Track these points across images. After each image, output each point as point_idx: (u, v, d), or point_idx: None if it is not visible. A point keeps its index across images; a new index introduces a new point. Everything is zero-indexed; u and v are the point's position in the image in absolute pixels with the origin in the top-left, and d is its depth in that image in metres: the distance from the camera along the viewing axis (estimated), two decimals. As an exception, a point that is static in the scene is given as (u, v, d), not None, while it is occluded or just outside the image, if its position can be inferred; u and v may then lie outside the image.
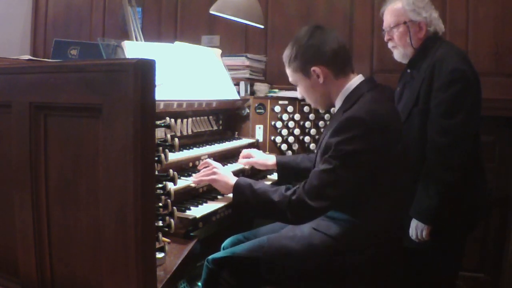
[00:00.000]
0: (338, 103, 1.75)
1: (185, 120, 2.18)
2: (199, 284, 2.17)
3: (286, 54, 1.78)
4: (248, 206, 1.70)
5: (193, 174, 1.90)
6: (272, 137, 2.60)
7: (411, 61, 2.12)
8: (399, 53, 2.14)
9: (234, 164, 2.20)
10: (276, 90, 2.84)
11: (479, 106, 1.98)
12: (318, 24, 1.78)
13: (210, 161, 1.92)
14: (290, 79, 1.82)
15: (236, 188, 1.71)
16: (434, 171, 1.90)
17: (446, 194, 1.90)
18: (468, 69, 1.94)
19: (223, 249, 1.97)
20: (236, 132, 2.61)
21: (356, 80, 1.73)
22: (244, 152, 2.22)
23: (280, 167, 2.16)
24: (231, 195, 1.77)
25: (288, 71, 1.80)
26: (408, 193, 1.98)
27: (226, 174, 1.79)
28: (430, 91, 1.96)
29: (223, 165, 2.00)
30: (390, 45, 2.16)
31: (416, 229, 1.97)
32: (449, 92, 1.89)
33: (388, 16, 2.13)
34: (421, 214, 1.94)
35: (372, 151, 1.55)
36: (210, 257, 1.77)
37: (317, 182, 1.55)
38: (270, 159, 2.18)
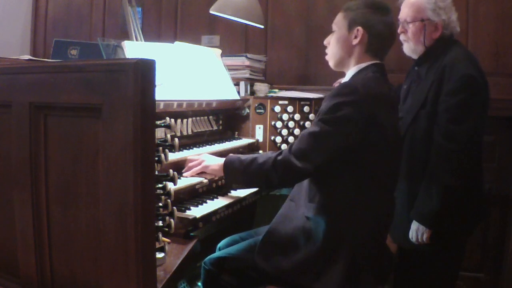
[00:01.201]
0: (347, 77, 1.78)
1: (185, 120, 2.18)
2: (199, 284, 2.17)
3: (349, 3, 1.80)
4: (238, 177, 1.77)
5: (183, 175, 1.90)
6: (272, 137, 2.60)
7: (420, 59, 2.10)
8: (409, 47, 2.11)
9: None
10: (276, 90, 2.84)
11: (486, 110, 1.97)
12: (388, 7, 1.79)
13: (192, 157, 1.95)
14: (334, 22, 1.83)
15: (226, 163, 1.79)
16: (439, 175, 1.89)
17: (448, 198, 1.89)
18: (478, 75, 1.92)
19: (219, 249, 1.97)
20: (236, 132, 2.61)
21: (372, 61, 1.75)
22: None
23: None
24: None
25: (339, 15, 1.81)
26: (405, 196, 1.99)
27: (213, 158, 1.90)
28: (438, 95, 1.94)
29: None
30: (402, 37, 2.13)
31: (416, 231, 1.96)
32: (459, 98, 1.88)
33: (407, 9, 2.09)
34: (423, 217, 1.93)
35: (360, 120, 1.58)
36: (207, 258, 1.77)
37: (304, 143, 1.61)
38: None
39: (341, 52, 1.78)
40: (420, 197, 1.94)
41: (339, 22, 1.80)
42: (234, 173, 1.77)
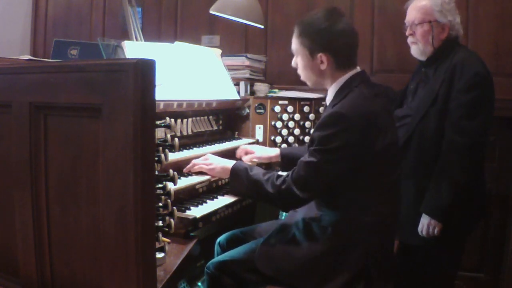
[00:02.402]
0: (330, 93, 1.77)
1: (185, 120, 2.18)
2: (199, 284, 2.17)
3: (300, 25, 1.75)
4: (242, 189, 1.80)
5: (193, 174, 1.91)
6: (272, 137, 2.60)
7: (428, 60, 2.14)
8: (418, 49, 2.15)
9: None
10: (276, 90, 2.84)
11: (493, 110, 2.03)
12: (336, 8, 1.75)
13: (197, 160, 1.97)
14: (293, 46, 1.79)
15: (233, 171, 1.81)
16: (450, 170, 1.94)
17: (458, 193, 1.93)
18: (488, 74, 1.99)
19: (219, 244, 1.98)
20: (236, 132, 2.61)
21: (349, 74, 1.73)
22: (243, 149, 2.24)
23: (285, 159, 2.17)
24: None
25: (295, 40, 1.77)
26: (413, 191, 2.02)
27: (220, 160, 1.91)
28: (449, 93, 1.98)
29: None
30: (410, 40, 2.17)
31: (428, 225, 1.99)
32: (471, 95, 1.93)
33: (414, 12, 2.13)
34: (435, 211, 1.97)
35: (353, 146, 1.59)
36: (210, 262, 1.78)
37: (303, 173, 1.63)
38: (272, 151, 2.19)
39: (313, 77, 1.78)
40: (431, 192, 1.98)
41: (299, 50, 1.76)
42: (239, 185, 1.80)
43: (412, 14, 2.14)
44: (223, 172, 1.87)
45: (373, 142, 1.61)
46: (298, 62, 1.80)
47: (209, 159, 1.93)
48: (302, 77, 1.83)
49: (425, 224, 2.00)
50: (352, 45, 1.74)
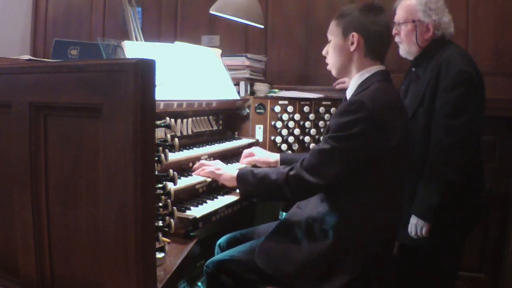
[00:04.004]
0: (352, 85, 1.77)
1: (185, 120, 2.18)
2: (199, 284, 2.17)
3: (341, 10, 1.81)
4: (251, 191, 1.81)
5: (193, 174, 1.92)
6: (272, 137, 2.60)
7: (416, 60, 2.15)
8: (404, 49, 2.17)
9: (234, 164, 2.21)
10: (276, 90, 2.84)
11: (483, 107, 2.01)
12: (381, 6, 1.79)
13: (206, 161, 1.98)
14: (328, 32, 1.83)
15: (239, 177, 1.82)
16: (437, 170, 1.93)
17: (447, 192, 1.92)
18: (474, 71, 1.97)
19: (219, 246, 1.99)
20: (236, 132, 2.61)
21: (375, 68, 1.74)
22: (246, 151, 2.25)
23: (285, 164, 2.16)
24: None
25: (332, 24, 1.82)
26: (406, 193, 2.00)
27: (227, 168, 1.93)
28: (436, 92, 1.98)
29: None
30: (396, 39, 2.19)
31: (416, 226, 1.98)
32: (455, 93, 1.92)
33: (400, 11, 2.16)
34: (422, 211, 1.96)
35: (369, 136, 1.58)
36: (209, 261, 1.78)
37: (315, 160, 1.63)
38: (272, 157, 2.18)
39: (340, 60, 1.78)
40: (420, 192, 1.97)
41: (333, 31, 1.80)
42: (247, 186, 1.80)
43: (398, 14, 2.17)
44: (230, 180, 1.87)
45: (388, 138, 1.60)
46: (330, 46, 1.82)
47: (217, 165, 1.94)
48: (330, 64, 1.84)
49: (413, 224, 1.99)
50: (384, 36, 1.75)
